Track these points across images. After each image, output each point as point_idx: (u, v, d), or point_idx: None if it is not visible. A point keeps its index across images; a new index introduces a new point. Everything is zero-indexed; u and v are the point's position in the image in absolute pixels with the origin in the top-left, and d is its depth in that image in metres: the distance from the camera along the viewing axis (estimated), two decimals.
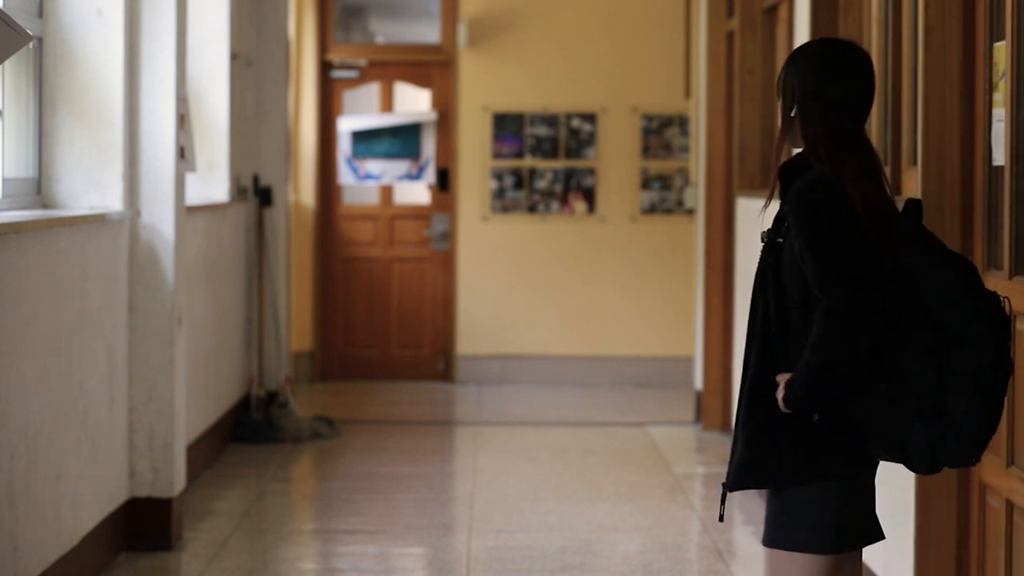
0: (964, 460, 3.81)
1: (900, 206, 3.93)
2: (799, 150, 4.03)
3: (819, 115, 3.94)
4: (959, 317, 3.75)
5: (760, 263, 3.99)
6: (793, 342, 3.90)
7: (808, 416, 3.87)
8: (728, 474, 4.01)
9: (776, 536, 3.97)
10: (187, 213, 7.84)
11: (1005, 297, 3.82)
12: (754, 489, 3.99)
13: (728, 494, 4.03)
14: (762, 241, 4.00)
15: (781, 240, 3.91)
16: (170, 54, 7.02)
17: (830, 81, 3.94)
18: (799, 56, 4.04)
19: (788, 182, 3.98)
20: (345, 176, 12.58)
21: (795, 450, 3.89)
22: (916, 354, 3.77)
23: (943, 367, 3.75)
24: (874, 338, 3.78)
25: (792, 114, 4.00)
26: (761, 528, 3.95)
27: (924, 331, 3.77)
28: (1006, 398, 3.84)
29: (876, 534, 3.98)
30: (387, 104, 12.67)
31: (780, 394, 3.89)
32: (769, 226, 4.00)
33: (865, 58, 4.00)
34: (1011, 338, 3.78)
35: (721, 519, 4.10)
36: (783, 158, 4.06)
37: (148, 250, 7.02)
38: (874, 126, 6.61)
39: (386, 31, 13.45)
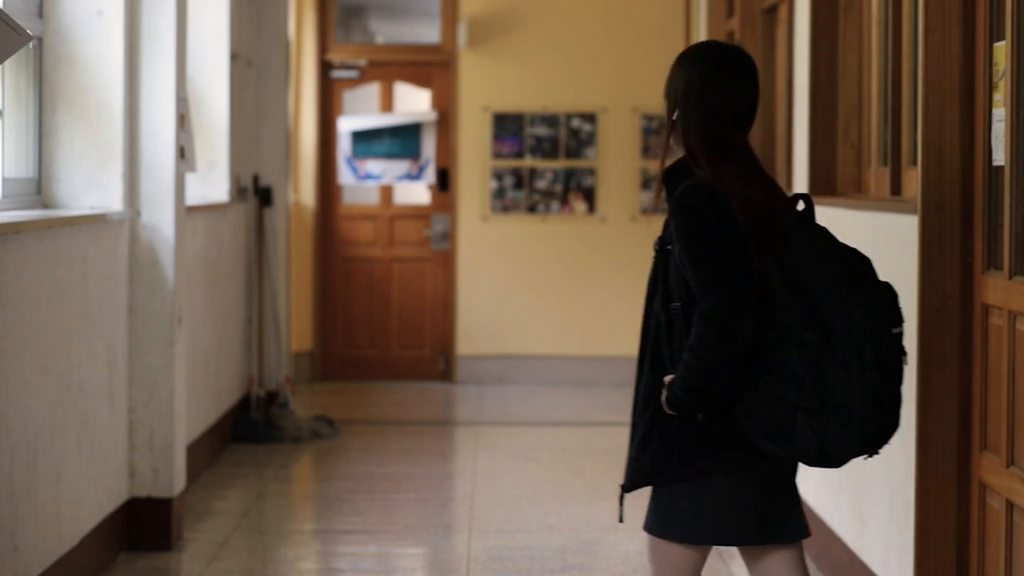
0: (855, 451, 3.84)
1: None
2: (682, 154, 4.06)
3: (700, 121, 3.97)
4: (839, 309, 3.78)
5: (652, 269, 4.05)
6: (677, 345, 3.95)
7: (692, 416, 3.92)
8: (624, 475, 4.07)
9: (656, 524, 4.05)
10: (187, 213, 7.84)
11: (886, 285, 3.85)
12: (648, 486, 4.05)
13: (626, 495, 4.10)
14: (654, 249, 4.04)
15: (671, 247, 3.96)
16: (170, 54, 7.02)
17: (712, 88, 3.96)
18: (685, 59, 4.04)
19: (672, 187, 4.01)
20: (345, 176, 12.58)
21: (683, 448, 3.94)
22: (796, 347, 3.80)
23: (825, 359, 3.78)
24: (751, 340, 3.82)
25: (674, 118, 4.02)
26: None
27: (805, 324, 3.80)
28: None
29: (778, 532, 4.00)
30: (387, 104, 12.67)
31: (663, 396, 3.94)
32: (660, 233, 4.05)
33: (750, 66, 4.01)
34: (897, 326, 3.81)
35: (621, 520, 4.16)
36: (668, 162, 4.09)
37: (148, 250, 7.02)
38: (874, 126, 6.61)
39: (386, 31, 13.45)
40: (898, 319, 3.83)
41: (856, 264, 3.87)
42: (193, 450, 8.23)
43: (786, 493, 4.02)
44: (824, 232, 3.93)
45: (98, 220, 6.41)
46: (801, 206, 3.95)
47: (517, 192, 12.41)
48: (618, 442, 9.92)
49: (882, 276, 5.75)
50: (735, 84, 3.98)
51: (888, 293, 3.85)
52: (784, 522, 4.02)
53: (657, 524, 4.05)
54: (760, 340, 3.85)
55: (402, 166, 12.57)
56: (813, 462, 3.90)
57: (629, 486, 4.07)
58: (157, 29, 7.00)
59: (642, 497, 4.17)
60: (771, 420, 3.85)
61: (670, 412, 3.94)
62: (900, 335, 3.83)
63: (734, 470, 3.95)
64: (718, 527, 3.98)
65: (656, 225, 13.41)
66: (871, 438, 3.82)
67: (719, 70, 3.98)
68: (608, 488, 8.27)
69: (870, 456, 3.88)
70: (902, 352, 3.83)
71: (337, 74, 12.61)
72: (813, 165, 7.08)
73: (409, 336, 12.56)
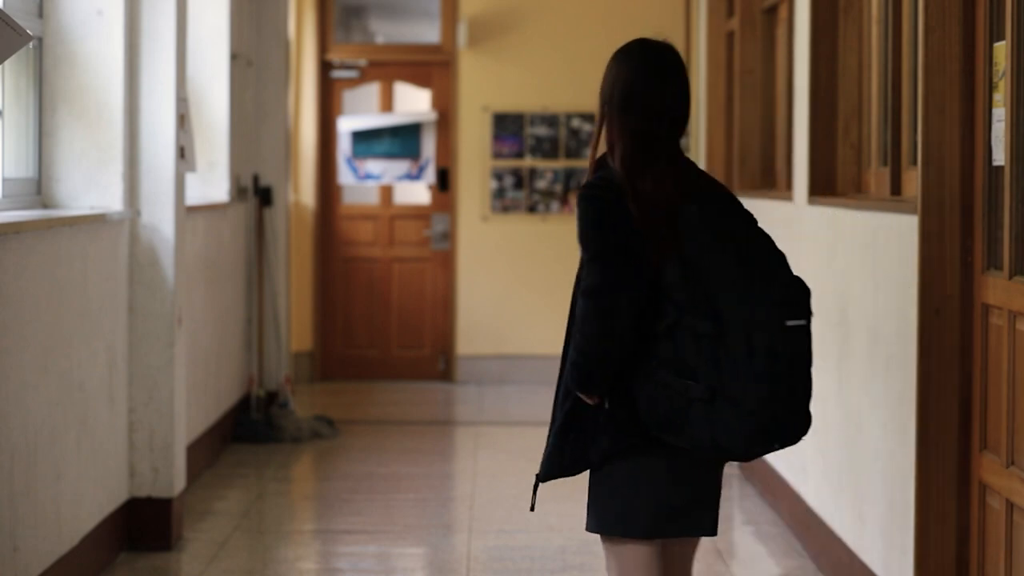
0: (754, 444, 3.90)
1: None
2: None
3: (620, 117, 4.06)
4: (736, 303, 3.86)
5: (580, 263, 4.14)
6: None
7: (600, 403, 4.00)
8: (541, 465, 4.15)
9: (591, 521, 4.14)
10: (187, 213, 7.84)
11: (794, 280, 3.90)
12: (563, 477, 4.12)
13: (540, 485, 4.21)
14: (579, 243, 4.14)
15: None
16: (170, 54, 7.02)
17: (633, 86, 4.06)
18: (617, 56, 4.13)
19: None
20: (345, 176, 12.58)
21: (593, 438, 4.03)
22: (693, 338, 3.89)
23: (720, 352, 3.86)
24: (633, 320, 3.92)
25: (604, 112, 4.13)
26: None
27: (702, 315, 3.88)
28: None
29: (687, 525, 4.07)
30: (387, 104, 12.67)
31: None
32: None
33: (675, 65, 4.08)
34: (796, 319, 3.88)
35: (532, 509, 4.30)
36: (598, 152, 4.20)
37: (148, 250, 7.02)
38: (874, 126, 6.61)
39: (386, 31, 13.45)
40: (799, 313, 3.88)
41: (759, 258, 3.92)
42: (193, 450, 8.23)
43: (700, 486, 4.08)
44: (734, 224, 3.98)
45: (98, 220, 6.41)
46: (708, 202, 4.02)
47: (517, 192, 12.41)
48: None
49: (882, 276, 5.76)
50: (656, 83, 4.07)
51: (791, 287, 3.91)
52: (693, 515, 4.08)
53: (597, 522, 4.12)
54: (656, 330, 3.94)
55: (402, 166, 12.57)
56: (711, 453, 3.96)
57: (544, 476, 4.14)
58: (157, 29, 7.00)
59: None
60: (666, 410, 3.92)
61: (575, 391, 4.02)
62: (800, 329, 3.88)
63: (646, 458, 4.02)
64: (632, 517, 4.06)
65: None
66: (768, 432, 3.88)
67: (642, 69, 4.07)
68: None
69: (772, 450, 3.94)
70: (804, 347, 3.89)
71: (337, 74, 12.61)
72: (813, 165, 7.08)
73: (409, 336, 12.56)
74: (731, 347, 3.85)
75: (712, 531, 4.11)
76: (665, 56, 4.09)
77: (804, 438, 4.00)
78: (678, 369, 3.90)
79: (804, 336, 3.89)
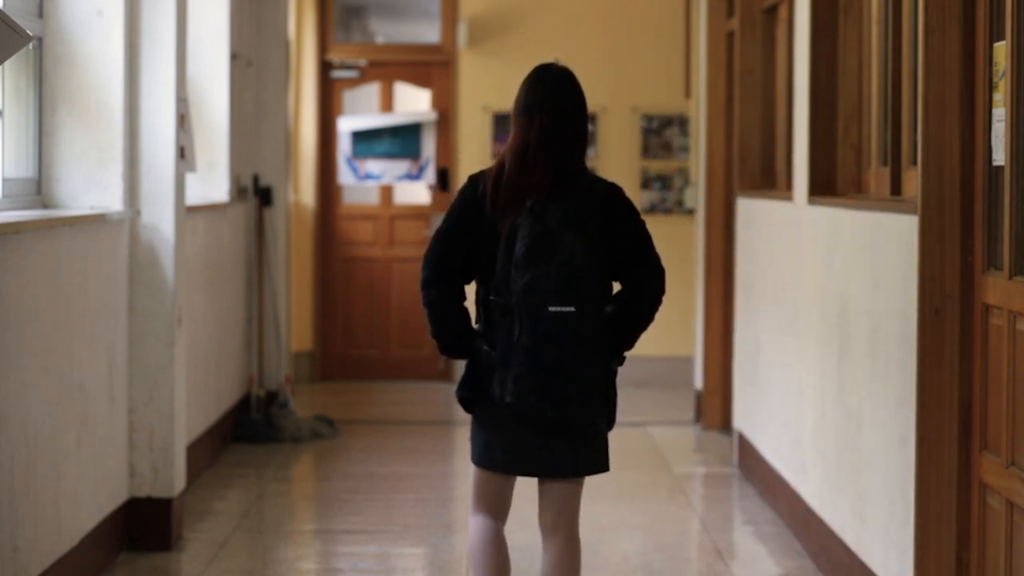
0: (535, 405, 4.64)
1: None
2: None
3: (514, 120, 4.93)
4: (521, 286, 4.59)
5: None
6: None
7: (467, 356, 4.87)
8: None
9: None
10: (187, 213, 7.85)
11: (533, 274, 4.58)
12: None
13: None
14: None
15: None
16: (170, 54, 7.02)
17: (518, 101, 4.91)
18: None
19: None
20: (345, 176, 12.58)
21: (461, 382, 4.85)
22: (498, 311, 4.66)
23: (511, 325, 4.61)
24: (446, 289, 4.74)
25: None
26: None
27: (502, 294, 4.65)
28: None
29: (508, 467, 4.90)
30: (387, 104, 12.67)
31: None
32: None
33: (559, 85, 5.07)
34: (556, 306, 4.59)
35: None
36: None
37: (148, 250, 7.02)
38: (874, 126, 6.61)
39: (386, 31, 13.45)
40: (564, 302, 4.57)
41: (530, 245, 4.60)
42: (193, 450, 8.23)
43: (512, 436, 4.78)
44: (551, 223, 4.65)
45: (98, 220, 6.41)
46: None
47: None
48: (618, 442, 9.89)
49: (882, 276, 5.76)
50: (531, 99, 4.93)
51: (560, 279, 4.57)
52: (509, 458, 4.85)
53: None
54: (485, 300, 4.71)
55: (402, 166, 12.57)
56: (511, 409, 4.68)
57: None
58: (157, 29, 7.00)
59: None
60: (483, 374, 4.73)
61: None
62: (565, 315, 4.57)
63: (480, 408, 4.80)
64: (483, 455, 4.86)
65: (655, 226, 13.44)
66: (538, 395, 4.62)
67: (524, 87, 4.94)
68: (607, 488, 8.26)
69: (557, 413, 4.67)
70: (567, 331, 4.57)
71: (337, 74, 12.61)
72: (813, 165, 7.08)
73: (409, 336, 12.56)
74: (513, 323, 4.58)
75: (562, 473, 5.01)
76: (552, 76, 5.02)
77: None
78: (488, 336, 4.70)
79: (569, 321, 4.56)
